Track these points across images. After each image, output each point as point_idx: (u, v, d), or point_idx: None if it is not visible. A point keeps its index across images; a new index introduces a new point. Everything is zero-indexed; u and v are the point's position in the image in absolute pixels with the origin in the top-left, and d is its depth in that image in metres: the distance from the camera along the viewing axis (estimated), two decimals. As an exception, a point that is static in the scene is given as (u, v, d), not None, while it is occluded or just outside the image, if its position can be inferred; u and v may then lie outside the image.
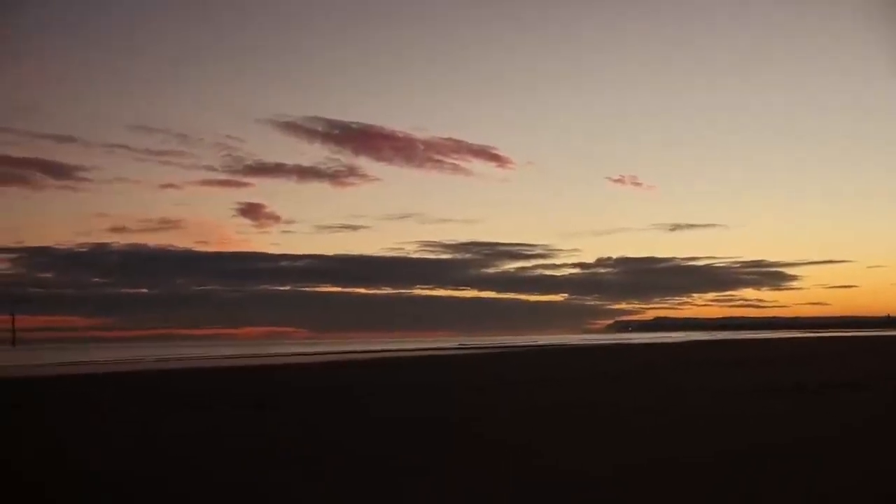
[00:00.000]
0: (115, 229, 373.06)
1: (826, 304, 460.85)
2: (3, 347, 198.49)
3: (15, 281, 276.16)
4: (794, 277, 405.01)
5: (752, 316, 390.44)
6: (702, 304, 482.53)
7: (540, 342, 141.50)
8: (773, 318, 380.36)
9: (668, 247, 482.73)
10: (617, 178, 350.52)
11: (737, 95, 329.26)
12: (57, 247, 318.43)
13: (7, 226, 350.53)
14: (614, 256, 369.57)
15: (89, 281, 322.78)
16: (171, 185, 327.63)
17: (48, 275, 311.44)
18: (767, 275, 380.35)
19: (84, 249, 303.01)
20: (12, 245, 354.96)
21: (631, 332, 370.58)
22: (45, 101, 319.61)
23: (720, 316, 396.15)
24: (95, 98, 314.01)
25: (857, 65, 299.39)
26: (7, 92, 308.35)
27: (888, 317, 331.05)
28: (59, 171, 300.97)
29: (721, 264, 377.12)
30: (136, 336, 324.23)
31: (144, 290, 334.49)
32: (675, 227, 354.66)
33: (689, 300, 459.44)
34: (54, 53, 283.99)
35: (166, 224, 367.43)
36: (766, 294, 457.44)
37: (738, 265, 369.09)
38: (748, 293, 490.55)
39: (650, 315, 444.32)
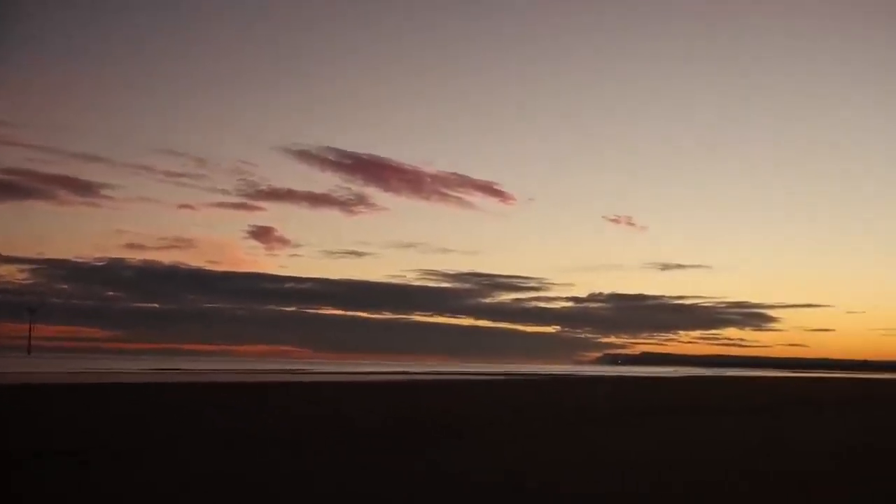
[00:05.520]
0: (132, 246, 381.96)
1: (804, 346, 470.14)
2: (20, 355, 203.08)
3: (33, 290, 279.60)
4: (775, 319, 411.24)
5: (735, 354, 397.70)
6: (687, 342, 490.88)
7: (559, 371, 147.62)
8: (755, 357, 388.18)
9: (658, 285, 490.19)
10: (613, 217, 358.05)
11: (727, 139, 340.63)
12: (76, 260, 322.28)
13: (29, 238, 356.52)
14: (606, 292, 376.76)
15: (105, 294, 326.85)
16: (187, 206, 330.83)
17: (65, 286, 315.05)
18: (750, 315, 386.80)
19: (101, 263, 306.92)
20: (33, 256, 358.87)
21: (620, 364, 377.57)
22: (75, 121, 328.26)
23: (705, 353, 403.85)
24: (123, 120, 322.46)
25: (845, 113, 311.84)
26: (41, 112, 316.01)
27: (864, 361, 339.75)
28: (85, 189, 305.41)
29: (707, 304, 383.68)
30: (147, 349, 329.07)
31: (156, 305, 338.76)
32: (665, 267, 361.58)
33: (675, 337, 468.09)
34: (83, 78, 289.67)
35: (180, 242, 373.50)
36: (748, 334, 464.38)
37: (724, 305, 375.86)
38: (732, 332, 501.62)
39: (637, 350, 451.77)
